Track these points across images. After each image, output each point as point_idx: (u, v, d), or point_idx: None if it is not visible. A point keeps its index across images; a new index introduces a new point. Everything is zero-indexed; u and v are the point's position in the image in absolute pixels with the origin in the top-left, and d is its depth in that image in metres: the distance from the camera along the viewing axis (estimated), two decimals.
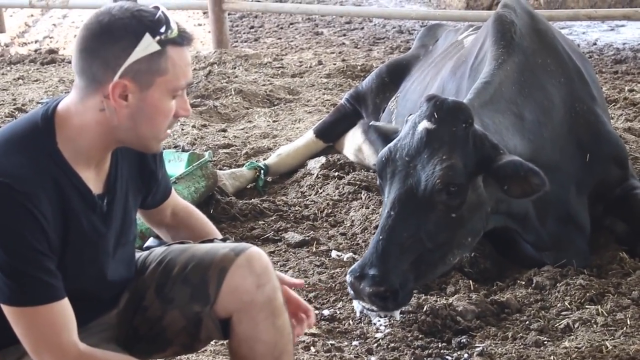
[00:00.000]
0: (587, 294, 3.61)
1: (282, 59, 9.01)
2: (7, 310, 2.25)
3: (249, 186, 5.26)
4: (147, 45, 2.26)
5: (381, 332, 3.49)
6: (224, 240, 2.70)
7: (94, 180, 2.37)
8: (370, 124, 3.76)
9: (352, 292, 3.25)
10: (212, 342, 2.98)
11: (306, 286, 3.86)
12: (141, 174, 2.56)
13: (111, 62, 2.25)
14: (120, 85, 2.26)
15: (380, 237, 3.24)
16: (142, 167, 2.55)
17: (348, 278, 3.24)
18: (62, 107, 2.33)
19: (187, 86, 2.36)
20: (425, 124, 3.31)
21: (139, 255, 2.65)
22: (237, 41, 10.19)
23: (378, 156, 3.47)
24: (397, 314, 3.37)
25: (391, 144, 3.42)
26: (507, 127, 3.62)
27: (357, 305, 3.34)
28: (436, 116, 3.29)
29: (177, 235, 2.78)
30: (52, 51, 9.59)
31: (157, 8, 2.31)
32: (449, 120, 3.27)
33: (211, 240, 2.66)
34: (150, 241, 2.81)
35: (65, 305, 2.27)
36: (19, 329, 2.26)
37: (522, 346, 3.33)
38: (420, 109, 3.39)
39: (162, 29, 2.27)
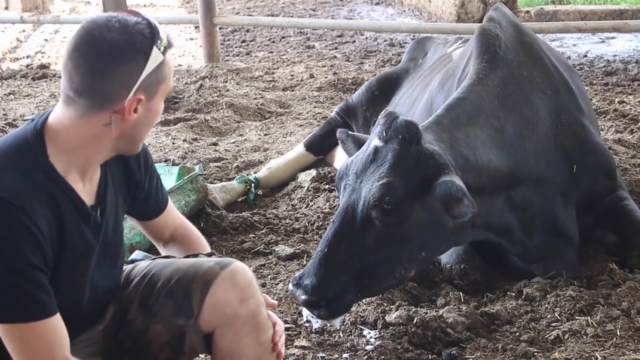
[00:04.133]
0: (577, 305, 3.61)
1: (273, 73, 9.03)
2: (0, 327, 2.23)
3: (239, 199, 5.26)
4: (155, 59, 2.30)
5: (371, 344, 3.48)
6: (209, 255, 2.69)
7: (86, 192, 2.38)
8: (341, 132, 3.75)
9: None
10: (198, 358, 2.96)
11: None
12: (127, 183, 2.57)
13: (125, 81, 2.27)
14: (136, 100, 2.30)
15: (320, 249, 3.29)
16: (128, 176, 2.56)
17: (289, 285, 3.31)
18: (54, 122, 2.32)
19: None
20: (375, 142, 3.34)
21: (124, 268, 2.65)
22: (228, 55, 10.21)
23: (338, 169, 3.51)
24: (336, 323, 3.39)
25: (349, 159, 3.45)
26: (484, 141, 3.62)
27: (304, 310, 3.37)
28: (384, 134, 3.32)
29: (172, 250, 2.78)
30: (43, 66, 9.59)
31: (139, 15, 2.32)
32: (395, 139, 3.29)
33: (196, 255, 2.65)
34: (135, 254, 2.79)
35: (57, 321, 2.26)
36: (11, 346, 2.25)
37: (512, 358, 3.32)
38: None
39: (159, 38, 2.31)
